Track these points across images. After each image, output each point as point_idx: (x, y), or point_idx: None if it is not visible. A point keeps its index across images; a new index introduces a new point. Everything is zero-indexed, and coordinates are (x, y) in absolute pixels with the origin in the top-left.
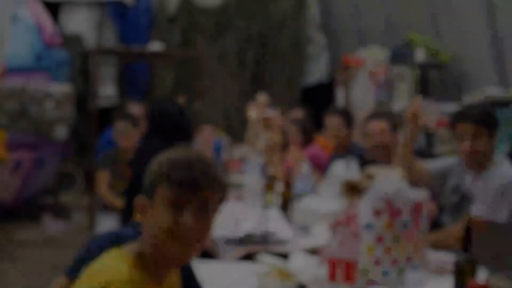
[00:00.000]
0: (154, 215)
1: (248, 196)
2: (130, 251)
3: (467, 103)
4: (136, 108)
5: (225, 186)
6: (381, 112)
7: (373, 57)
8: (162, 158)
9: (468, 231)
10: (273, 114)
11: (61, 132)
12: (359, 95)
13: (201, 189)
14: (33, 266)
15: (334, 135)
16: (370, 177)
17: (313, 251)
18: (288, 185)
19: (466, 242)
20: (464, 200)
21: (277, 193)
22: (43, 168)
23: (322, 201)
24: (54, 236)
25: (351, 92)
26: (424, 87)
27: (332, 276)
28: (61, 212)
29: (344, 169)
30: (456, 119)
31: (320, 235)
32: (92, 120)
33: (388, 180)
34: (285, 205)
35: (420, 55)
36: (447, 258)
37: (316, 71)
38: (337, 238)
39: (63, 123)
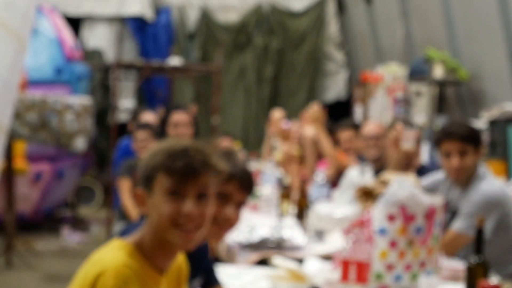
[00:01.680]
0: (154, 205)
1: (264, 206)
2: (130, 240)
3: (451, 122)
4: (150, 116)
5: (222, 171)
6: (405, 120)
7: (391, 73)
8: (157, 149)
9: (480, 233)
10: (290, 126)
11: (80, 143)
12: (377, 111)
13: (200, 176)
14: (50, 275)
15: (346, 148)
16: (384, 182)
17: (327, 257)
18: (303, 194)
19: (478, 244)
20: (454, 217)
21: (292, 203)
22: (63, 180)
23: (337, 207)
24: (72, 247)
25: (369, 109)
26: (441, 104)
27: (345, 277)
28: (79, 224)
29: (358, 175)
30: (443, 136)
31: (334, 242)
32: (112, 134)
33: (402, 185)
34: (301, 214)
35: (438, 72)
36: (461, 265)
37: (335, 88)
38: (350, 240)
39: (83, 135)
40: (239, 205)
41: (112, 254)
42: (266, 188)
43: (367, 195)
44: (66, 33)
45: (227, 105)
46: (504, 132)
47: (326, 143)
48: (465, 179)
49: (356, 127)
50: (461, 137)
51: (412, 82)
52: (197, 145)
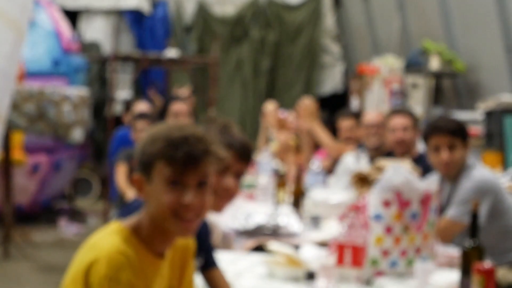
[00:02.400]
0: (153, 192)
1: (260, 195)
2: (128, 224)
3: (438, 117)
4: (143, 106)
5: (222, 159)
6: (404, 109)
7: (387, 66)
8: (156, 135)
9: (474, 218)
10: (286, 115)
11: (77, 135)
12: (374, 103)
13: (200, 165)
14: (48, 266)
15: (347, 136)
16: (379, 169)
17: (323, 244)
18: (299, 182)
19: (473, 228)
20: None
21: (288, 191)
22: (60, 172)
23: (332, 193)
24: (69, 238)
25: (366, 101)
26: (438, 96)
27: (340, 261)
28: (76, 216)
29: (354, 162)
30: (431, 131)
31: (330, 229)
32: (109, 126)
33: (397, 171)
34: (297, 202)
35: (434, 64)
36: (456, 252)
37: (331, 80)
38: (346, 224)
39: (80, 125)
40: (238, 175)
41: (108, 239)
42: (262, 178)
43: (363, 181)
44: (64, 25)
45: (223, 98)
46: (500, 123)
47: (322, 136)
48: (454, 173)
49: (357, 116)
50: (449, 131)
51: (408, 74)
52: (197, 132)
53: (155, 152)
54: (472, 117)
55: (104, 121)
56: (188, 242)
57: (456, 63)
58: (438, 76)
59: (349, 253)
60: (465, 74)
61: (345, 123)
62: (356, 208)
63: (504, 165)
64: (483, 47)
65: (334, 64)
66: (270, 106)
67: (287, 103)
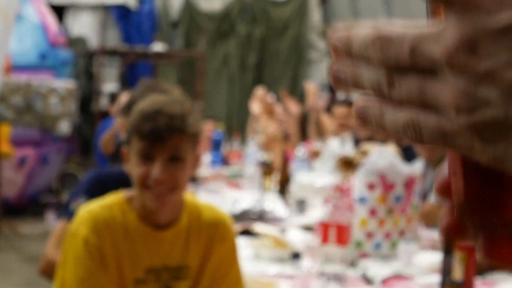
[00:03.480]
0: (131, 165)
1: (246, 184)
2: (126, 193)
3: None
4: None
5: (196, 133)
6: None
7: None
8: (137, 108)
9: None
10: (274, 100)
11: (64, 127)
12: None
13: (167, 141)
14: (34, 257)
15: (341, 124)
16: (364, 153)
17: (308, 228)
18: (285, 169)
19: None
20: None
21: (274, 180)
22: (47, 165)
23: (318, 176)
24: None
25: (351, 96)
26: None
27: (325, 239)
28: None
29: (339, 146)
30: None
31: (316, 214)
32: (95, 120)
33: (382, 155)
34: (283, 189)
35: None
36: (439, 235)
37: (318, 76)
38: (331, 204)
39: (67, 118)
40: None
41: (97, 204)
42: (249, 168)
43: (348, 164)
44: (50, 19)
45: (210, 93)
46: None
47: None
48: (438, 158)
49: (351, 104)
50: None
51: None
52: (170, 107)
53: (130, 126)
54: None
55: (91, 116)
56: (218, 221)
57: None
58: None
59: (333, 232)
60: None
61: (339, 111)
62: (341, 190)
63: None
64: None
65: (321, 60)
66: (259, 91)
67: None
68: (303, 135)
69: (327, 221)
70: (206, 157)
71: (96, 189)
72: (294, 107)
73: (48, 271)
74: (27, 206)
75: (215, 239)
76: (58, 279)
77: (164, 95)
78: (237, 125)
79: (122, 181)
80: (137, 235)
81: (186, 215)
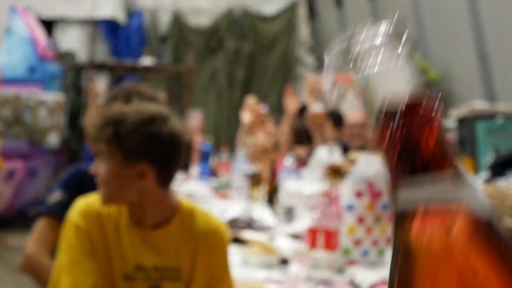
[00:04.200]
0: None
1: (234, 194)
2: None
3: None
4: None
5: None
6: None
7: None
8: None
9: None
10: (265, 110)
11: (53, 139)
12: (348, 113)
13: (95, 142)
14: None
15: (319, 115)
16: (352, 161)
17: (296, 237)
18: (273, 179)
19: None
20: None
21: (262, 190)
22: (36, 178)
23: (306, 184)
24: None
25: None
26: None
27: (313, 245)
28: None
29: (327, 155)
30: None
31: (304, 223)
32: (84, 134)
33: (370, 163)
34: (271, 199)
35: None
36: None
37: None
38: (319, 210)
39: (56, 130)
40: None
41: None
42: (237, 179)
43: (336, 173)
44: (40, 32)
45: (199, 108)
46: (472, 129)
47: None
48: None
49: (335, 116)
50: None
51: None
52: (116, 112)
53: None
54: (445, 125)
55: (79, 130)
56: (210, 230)
57: (430, 72)
58: None
59: (322, 238)
60: (438, 83)
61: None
62: (329, 197)
63: (476, 170)
64: (456, 57)
65: (309, 75)
66: (250, 100)
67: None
68: (298, 140)
69: (315, 226)
70: (195, 169)
71: (73, 184)
72: (293, 104)
73: (29, 267)
74: (16, 219)
75: (203, 247)
76: (56, 266)
77: (135, 101)
78: (225, 140)
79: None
80: (126, 232)
81: (178, 218)
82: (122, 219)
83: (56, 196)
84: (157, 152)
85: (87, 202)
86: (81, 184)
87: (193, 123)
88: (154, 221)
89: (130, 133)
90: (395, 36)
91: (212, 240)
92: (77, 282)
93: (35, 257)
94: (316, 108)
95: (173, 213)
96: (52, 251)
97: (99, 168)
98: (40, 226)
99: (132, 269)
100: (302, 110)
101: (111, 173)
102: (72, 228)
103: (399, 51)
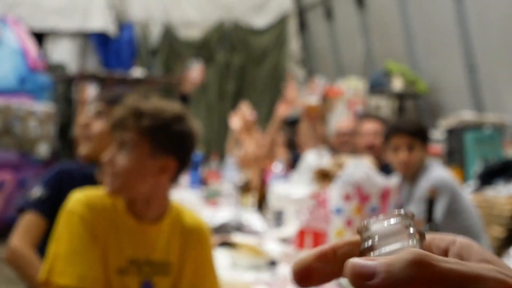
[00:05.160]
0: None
1: (224, 201)
2: None
3: (400, 118)
4: None
5: (146, 128)
6: (375, 115)
7: (351, 87)
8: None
9: (430, 203)
10: (254, 117)
11: (43, 150)
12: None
13: (120, 130)
14: (12, 279)
15: (314, 107)
16: (340, 165)
17: (285, 241)
18: (262, 186)
19: (429, 213)
20: None
21: (252, 197)
22: (25, 190)
23: (295, 187)
24: None
25: (330, 123)
26: (401, 116)
27: (301, 245)
28: None
29: (316, 159)
30: (392, 132)
31: (292, 228)
32: (74, 146)
33: (358, 167)
34: (260, 206)
35: (397, 85)
36: None
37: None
38: (307, 212)
39: (46, 141)
40: None
41: (92, 191)
42: (227, 186)
43: (324, 176)
44: (30, 44)
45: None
46: (461, 139)
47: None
48: (413, 173)
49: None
50: (409, 132)
51: (372, 95)
52: (138, 103)
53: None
54: (434, 137)
55: (69, 141)
56: (196, 227)
57: (419, 84)
58: (401, 97)
59: (310, 238)
60: (427, 95)
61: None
62: (317, 199)
63: (465, 179)
64: (445, 68)
65: (299, 89)
66: (244, 106)
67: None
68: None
69: (304, 227)
70: (185, 178)
71: (54, 182)
72: (291, 93)
73: (13, 260)
74: (5, 231)
75: (191, 243)
76: (49, 254)
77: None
78: (215, 148)
79: (83, 177)
80: (123, 225)
81: (170, 216)
82: (118, 213)
83: (36, 192)
84: (182, 149)
85: (87, 195)
86: (62, 182)
87: None
88: (153, 216)
89: (164, 127)
90: (404, 228)
91: (200, 236)
92: (83, 271)
93: (19, 251)
94: (311, 100)
95: (167, 210)
96: (36, 245)
97: (118, 157)
98: (24, 221)
99: (126, 263)
100: (293, 122)
101: (135, 163)
102: (77, 218)
103: (409, 242)
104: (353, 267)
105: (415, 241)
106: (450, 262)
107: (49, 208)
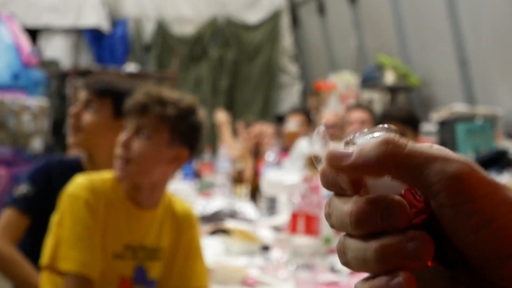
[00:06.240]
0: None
1: (217, 192)
2: (112, 174)
3: (393, 106)
4: None
5: (167, 116)
6: (363, 104)
7: (344, 82)
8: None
9: None
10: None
11: (37, 144)
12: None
13: (138, 117)
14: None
15: (294, 133)
16: None
17: (278, 228)
18: (255, 180)
19: None
20: None
21: (245, 187)
22: (19, 185)
23: (287, 174)
24: None
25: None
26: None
27: (293, 229)
28: None
29: (308, 145)
30: (383, 119)
31: (285, 216)
32: (68, 143)
33: None
34: (254, 196)
35: (389, 78)
36: None
37: (289, 99)
38: (299, 195)
39: (39, 135)
40: None
41: (93, 176)
42: (220, 177)
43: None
44: (24, 39)
45: None
46: (452, 131)
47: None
48: None
49: (307, 113)
50: (400, 119)
51: (364, 89)
52: (155, 92)
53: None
54: (426, 129)
55: (63, 137)
56: (187, 213)
57: (411, 77)
58: (393, 91)
59: (302, 222)
60: (419, 88)
61: (293, 118)
62: (309, 181)
63: None
64: (437, 62)
65: (292, 84)
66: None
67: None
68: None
69: (296, 211)
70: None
71: (41, 178)
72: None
73: None
74: None
75: (181, 229)
76: (52, 239)
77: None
78: (209, 141)
79: (71, 168)
80: (122, 211)
81: (163, 202)
82: (118, 198)
83: (22, 188)
84: (195, 140)
85: (91, 179)
86: (50, 177)
87: None
88: (151, 203)
89: (185, 117)
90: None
91: (190, 223)
92: (85, 257)
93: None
94: (291, 126)
95: (160, 197)
96: (15, 241)
97: (134, 142)
98: (5, 217)
99: (122, 248)
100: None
101: (152, 150)
102: (82, 204)
103: None
104: (330, 152)
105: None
106: (419, 145)
107: (34, 205)
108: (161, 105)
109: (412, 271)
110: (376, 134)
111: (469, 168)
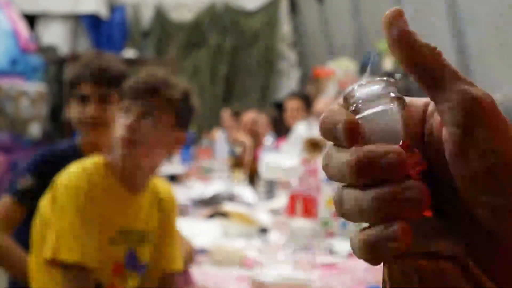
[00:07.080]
0: None
1: (216, 176)
2: (104, 158)
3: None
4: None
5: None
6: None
7: (342, 68)
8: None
9: None
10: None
11: (35, 130)
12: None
13: (143, 99)
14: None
15: (293, 116)
16: None
17: (276, 212)
18: (254, 164)
19: None
20: None
21: (244, 172)
22: (17, 171)
23: (285, 157)
24: None
25: (321, 103)
26: None
27: (292, 211)
28: None
29: (306, 129)
30: None
31: (283, 200)
32: (66, 129)
33: None
34: (252, 179)
35: (387, 64)
36: None
37: (288, 86)
38: (298, 177)
39: (38, 121)
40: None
41: (84, 162)
42: (218, 161)
43: (315, 146)
44: (21, 25)
45: None
46: None
47: None
48: None
49: (305, 98)
50: None
51: (363, 75)
52: (161, 75)
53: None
54: None
55: (61, 123)
56: (170, 194)
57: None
58: (391, 77)
59: (300, 204)
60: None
61: (291, 103)
62: (308, 163)
63: None
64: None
65: (291, 70)
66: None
67: (244, 109)
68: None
69: (294, 193)
70: (176, 155)
71: (46, 170)
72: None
73: None
74: None
75: (168, 210)
76: (52, 230)
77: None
78: (207, 128)
79: (70, 156)
80: (116, 195)
81: (150, 185)
82: (111, 182)
83: (26, 181)
84: (190, 124)
85: (85, 168)
86: (55, 169)
87: None
88: (143, 186)
89: (189, 100)
90: (387, 93)
91: (173, 203)
92: (86, 247)
93: None
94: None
95: (149, 180)
96: (9, 231)
97: (140, 125)
98: (3, 204)
99: (116, 232)
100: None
101: (158, 132)
102: (81, 192)
103: (391, 105)
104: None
105: (396, 104)
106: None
107: (33, 197)
108: (170, 88)
109: (408, 221)
110: (376, 87)
111: (492, 100)
